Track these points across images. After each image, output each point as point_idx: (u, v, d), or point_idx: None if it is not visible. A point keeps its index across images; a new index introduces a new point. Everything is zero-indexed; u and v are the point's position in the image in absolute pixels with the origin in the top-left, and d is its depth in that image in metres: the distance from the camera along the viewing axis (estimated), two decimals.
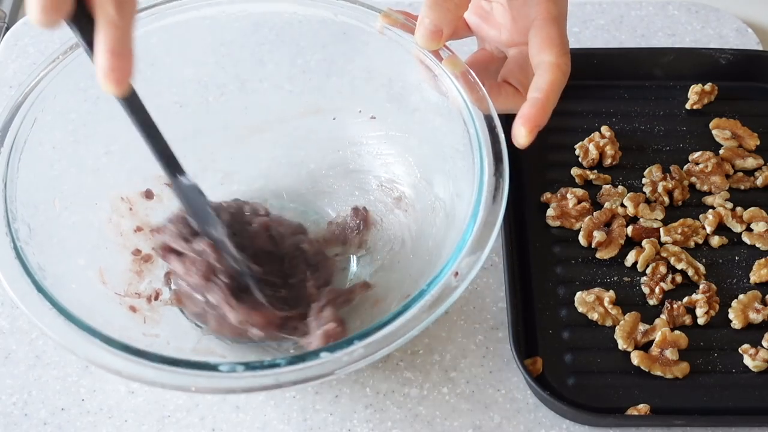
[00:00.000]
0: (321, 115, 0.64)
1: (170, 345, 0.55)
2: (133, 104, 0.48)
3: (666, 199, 0.66)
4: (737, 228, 0.65)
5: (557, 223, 0.65)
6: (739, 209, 0.66)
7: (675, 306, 0.61)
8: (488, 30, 0.61)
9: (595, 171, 0.68)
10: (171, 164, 0.52)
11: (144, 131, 0.50)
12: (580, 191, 0.67)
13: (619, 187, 0.67)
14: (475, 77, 0.55)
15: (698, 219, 0.66)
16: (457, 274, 0.48)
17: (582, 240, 0.64)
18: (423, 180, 0.61)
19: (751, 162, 0.69)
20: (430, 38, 0.54)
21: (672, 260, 0.63)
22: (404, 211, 0.62)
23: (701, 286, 0.62)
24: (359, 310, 0.58)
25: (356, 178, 0.64)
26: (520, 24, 0.57)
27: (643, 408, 0.57)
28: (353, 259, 0.62)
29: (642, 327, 0.60)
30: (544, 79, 0.54)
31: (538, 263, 0.64)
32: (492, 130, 0.53)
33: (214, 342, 0.57)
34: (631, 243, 0.65)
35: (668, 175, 0.68)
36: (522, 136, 0.53)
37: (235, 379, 0.45)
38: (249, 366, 0.45)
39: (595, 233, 0.64)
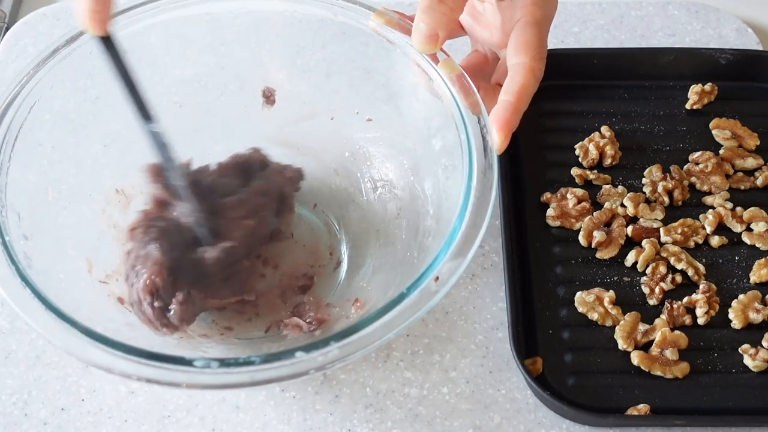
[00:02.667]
0: (320, 115, 0.64)
1: (154, 338, 0.55)
2: (111, 47, 0.50)
3: (666, 199, 0.66)
4: (737, 228, 0.65)
5: (557, 223, 0.65)
6: (739, 209, 0.66)
7: (675, 306, 0.61)
8: (481, 31, 0.61)
9: (595, 171, 0.68)
10: (141, 110, 0.53)
11: (121, 76, 0.51)
12: (580, 191, 0.67)
13: (619, 187, 0.67)
14: (470, 81, 0.54)
15: (698, 219, 0.66)
16: (437, 278, 0.48)
17: (582, 240, 0.64)
18: (415, 183, 0.61)
19: (751, 162, 0.69)
20: (426, 42, 0.54)
21: (672, 260, 0.63)
22: (397, 213, 0.62)
23: (701, 286, 0.62)
24: (343, 311, 0.59)
25: (354, 179, 0.64)
26: (508, 26, 0.57)
27: (643, 408, 0.57)
28: (344, 264, 0.63)
29: (642, 327, 0.60)
30: (516, 82, 0.54)
31: (538, 263, 0.64)
32: (483, 136, 0.52)
33: (198, 338, 0.57)
34: (631, 243, 0.65)
35: (668, 175, 0.68)
36: (497, 142, 0.53)
37: (210, 375, 0.45)
38: (223, 363, 0.45)
39: (595, 233, 0.64)
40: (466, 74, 0.55)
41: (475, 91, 0.54)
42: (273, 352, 0.46)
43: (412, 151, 0.62)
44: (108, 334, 0.46)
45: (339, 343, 0.46)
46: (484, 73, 0.62)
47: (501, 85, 0.58)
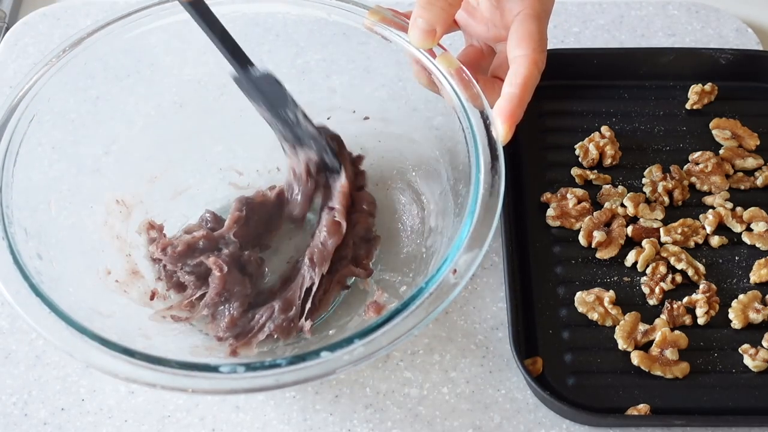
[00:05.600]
0: (319, 115, 0.64)
1: (168, 346, 0.55)
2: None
3: (666, 199, 0.66)
4: (737, 228, 0.65)
5: (557, 223, 0.65)
6: (739, 209, 0.66)
7: (675, 306, 0.61)
8: (476, 26, 0.61)
9: (595, 171, 0.68)
10: (237, 56, 0.54)
11: (207, 25, 0.53)
12: (580, 191, 0.67)
13: (619, 187, 0.67)
14: (469, 74, 0.55)
15: (698, 219, 0.66)
16: (455, 271, 0.48)
17: (582, 240, 0.64)
18: (418, 178, 0.61)
19: (751, 162, 0.69)
20: (424, 38, 0.54)
21: (672, 260, 0.63)
22: (400, 209, 0.62)
23: (701, 286, 0.62)
24: (356, 308, 0.58)
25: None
26: (506, 19, 0.57)
27: (643, 408, 0.57)
28: None
29: (642, 327, 0.60)
30: (519, 74, 0.54)
31: (538, 263, 0.64)
32: (487, 128, 0.53)
33: (212, 342, 0.57)
34: (631, 243, 0.65)
35: (668, 175, 0.68)
36: (502, 133, 0.53)
37: (236, 380, 0.45)
38: (250, 367, 0.45)
39: (595, 233, 0.64)
40: (464, 68, 0.55)
41: (475, 83, 0.54)
42: (298, 353, 0.46)
43: (414, 147, 0.62)
44: (124, 344, 0.46)
45: (363, 341, 0.46)
46: (480, 66, 0.62)
47: (499, 78, 0.58)
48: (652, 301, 0.62)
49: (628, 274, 0.63)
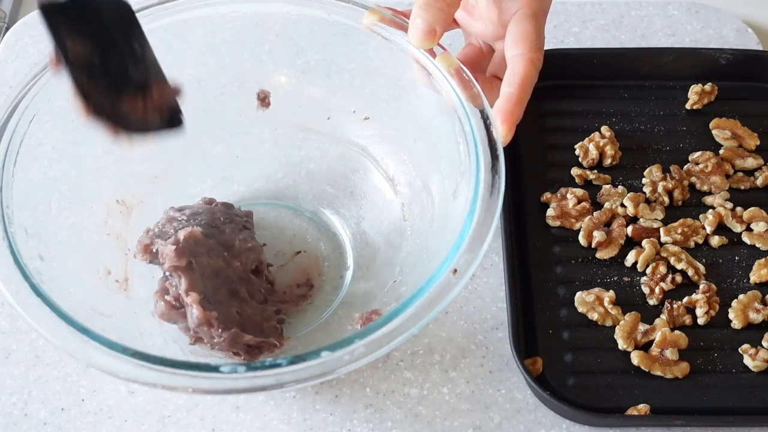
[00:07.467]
0: (319, 115, 0.64)
1: (167, 345, 0.55)
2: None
3: (666, 199, 0.66)
4: (737, 228, 0.65)
5: (557, 223, 0.65)
6: (739, 209, 0.66)
7: (675, 306, 0.61)
8: (474, 24, 0.61)
9: (595, 171, 0.68)
10: None
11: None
12: (580, 191, 0.67)
13: (619, 187, 0.67)
14: (469, 74, 0.55)
15: (698, 219, 0.66)
16: (455, 271, 0.48)
17: (582, 240, 0.64)
18: (419, 178, 0.61)
19: (751, 162, 0.69)
20: (423, 38, 0.54)
21: (672, 260, 0.63)
22: (401, 209, 0.62)
23: (701, 286, 0.62)
24: (355, 309, 0.58)
25: (354, 178, 0.65)
26: (504, 18, 0.57)
27: (643, 408, 0.57)
28: (349, 264, 0.63)
29: (642, 327, 0.60)
30: (517, 73, 0.55)
31: (538, 263, 0.64)
32: (487, 127, 0.53)
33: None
34: (631, 243, 0.65)
35: (668, 175, 0.68)
36: (503, 134, 0.53)
37: (237, 380, 0.45)
38: (250, 366, 0.45)
39: (595, 233, 0.64)
40: (464, 67, 0.55)
41: (475, 83, 0.54)
42: (298, 353, 0.46)
43: (414, 146, 0.62)
44: (124, 343, 0.46)
45: (363, 341, 0.46)
46: (480, 65, 0.62)
47: (498, 77, 0.58)
48: (652, 301, 0.62)
49: (628, 274, 0.63)
